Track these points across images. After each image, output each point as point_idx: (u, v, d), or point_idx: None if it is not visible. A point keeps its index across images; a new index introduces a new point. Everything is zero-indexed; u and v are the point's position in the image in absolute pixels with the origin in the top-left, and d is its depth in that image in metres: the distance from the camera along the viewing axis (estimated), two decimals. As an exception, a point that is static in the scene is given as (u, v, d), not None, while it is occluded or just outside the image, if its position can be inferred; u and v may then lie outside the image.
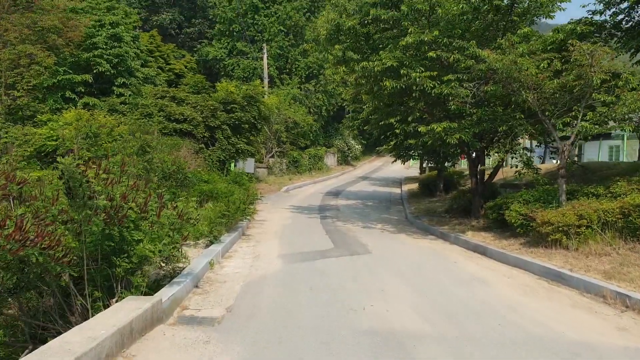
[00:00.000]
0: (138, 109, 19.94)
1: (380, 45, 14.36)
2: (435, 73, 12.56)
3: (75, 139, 12.94)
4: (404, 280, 8.60)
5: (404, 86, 13.08)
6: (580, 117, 10.97)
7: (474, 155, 15.87)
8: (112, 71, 23.23)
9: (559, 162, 11.43)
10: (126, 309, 5.17)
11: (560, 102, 11.33)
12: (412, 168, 51.51)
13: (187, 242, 10.49)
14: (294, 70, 43.60)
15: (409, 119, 13.67)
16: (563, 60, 11.33)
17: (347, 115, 41.54)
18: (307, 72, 43.49)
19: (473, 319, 6.45)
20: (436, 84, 12.93)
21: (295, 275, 8.66)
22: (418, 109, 13.99)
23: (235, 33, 43.87)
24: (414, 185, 30.37)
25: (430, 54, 12.25)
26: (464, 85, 12.72)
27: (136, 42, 25.22)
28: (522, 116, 12.81)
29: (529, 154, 13.42)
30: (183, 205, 7.04)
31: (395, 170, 48.78)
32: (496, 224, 13.20)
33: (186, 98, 20.52)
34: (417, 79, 12.45)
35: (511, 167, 15.03)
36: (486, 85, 11.89)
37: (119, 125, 19.00)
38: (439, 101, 14.80)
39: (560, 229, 10.04)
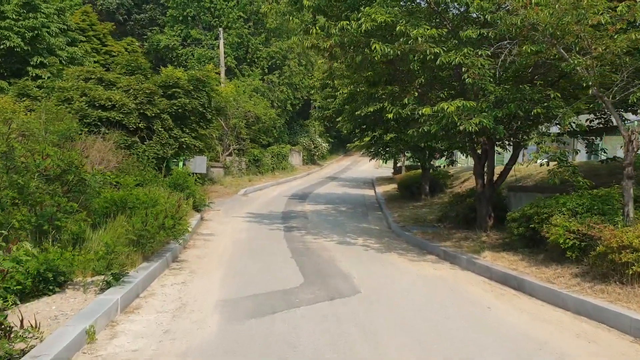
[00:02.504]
0: (55, 93, 15.78)
1: (362, 4, 10.70)
2: (444, 30, 9.03)
3: None
4: (429, 356, 4.97)
5: (398, 53, 9.48)
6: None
7: (479, 150, 12.43)
8: (25, 48, 18.82)
9: (625, 157, 8.01)
10: None
11: (625, 71, 7.92)
12: (382, 168, 48.27)
13: (76, 280, 6.68)
14: (255, 60, 39.66)
15: (405, 100, 10.05)
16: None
17: (314, 105, 37.76)
18: (269, 63, 39.62)
19: None
20: (441, 51, 9.40)
21: (238, 353, 4.92)
22: (415, 88, 10.40)
23: (189, 19, 39.66)
24: (390, 187, 27.00)
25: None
26: (479, 52, 9.22)
27: (62, 17, 20.91)
28: (559, 95, 9.40)
29: (562, 146, 10.01)
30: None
31: (365, 170, 45.48)
32: (522, 242, 9.75)
33: (117, 81, 16.42)
34: (420, 39, 8.86)
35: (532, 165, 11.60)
36: (519, 47, 8.37)
37: (27, 113, 14.85)
38: (440, 78, 11.35)
39: (648, 257, 6.63)
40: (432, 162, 18.88)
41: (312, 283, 7.80)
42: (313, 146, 45.49)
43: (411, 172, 25.29)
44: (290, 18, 11.80)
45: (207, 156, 25.86)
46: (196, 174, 20.35)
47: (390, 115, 9.96)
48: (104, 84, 16.35)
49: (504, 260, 9.24)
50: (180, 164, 21.70)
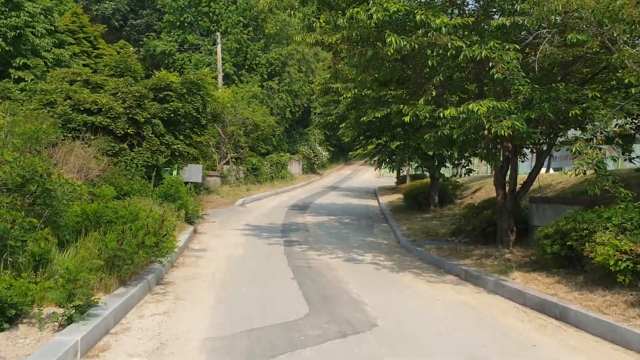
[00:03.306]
0: (37, 96, 14.62)
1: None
2: (471, 20, 7.90)
3: None
4: None
5: (415, 46, 8.34)
6: None
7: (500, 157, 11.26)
8: (7, 48, 17.63)
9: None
10: None
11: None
12: (384, 177, 47.13)
13: (33, 313, 5.47)
14: (254, 67, 38.59)
15: (421, 101, 8.88)
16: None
17: (315, 112, 36.63)
18: (268, 70, 38.53)
19: None
20: (464, 45, 8.28)
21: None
22: (431, 88, 9.25)
23: (186, 24, 38.65)
24: (394, 197, 25.82)
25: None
26: (506, 45, 8.10)
27: (49, 17, 19.76)
28: (598, 94, 8.26)
29: (602, 153, 8.83)
30: None
31: (367, 180, 44.37)
32: (556, 261, 8.56)
33: (104, 83, 15.24)
34: (443, 29, 7.74)
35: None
36: (560, 37, 7.24)
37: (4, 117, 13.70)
38: (452, 81, 10.24)
39: None
40: (440, 171, 17.72)
41: (319, 313, 6.59)
42: (313, 155, 44.33)
43: (417, 181, 24.15)
44: (293, 12, 10.67)
45: (204, 165, 24.71)
46: (191, 183, 19.20)
47: (407, 119, 8.78)
48: (90, 86, 15.20)
49: (538, 282, 8.05)
50: (174, 172, 20.53)
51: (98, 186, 10.46)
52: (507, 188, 11.19)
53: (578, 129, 9.68)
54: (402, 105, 8.81)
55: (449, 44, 8.18)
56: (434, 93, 9.09)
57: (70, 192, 6.89)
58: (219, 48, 32.20)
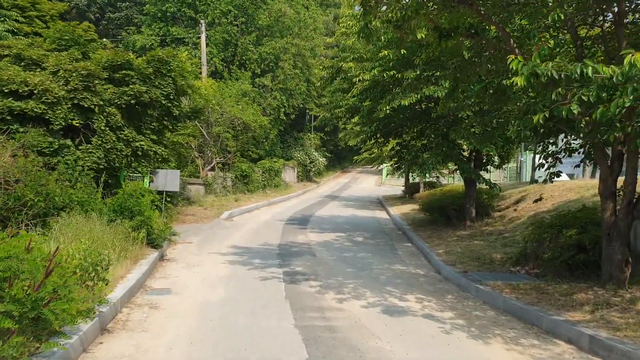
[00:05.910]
0: (-55, 76, 10.76)
1: None
2: None
3: None
4: None
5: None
6: None
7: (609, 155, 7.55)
8: None
9: None
10: None
11: None
12: (385, 185, 43.44)
13: None
14: (245, 62, 34.79)
15: (534, 56, 5.11)
16: None
17: (310, 114, 32.73)
18: (261, 65, 34.74)
19: None
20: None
21: None
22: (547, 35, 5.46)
23: (169, 15, 34.84)
24: (407, 208, 22.10)
25: None
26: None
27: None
28: None
29: None
30: None
31: (367, 188, 40.63)
32: None
33: (43, 59, 11.43)
34: None
35: None
36: None
37: None
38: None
39: None
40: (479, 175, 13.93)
41: None
42: (309, 161, 40.43)
43: (437, 189, 20.40)
44: None
45: (184, 171, 20.90)
46: (166, 192, 15.39)
47: (520, 80, 4.80)
48: (24, 63, 11.37)
49: None
50: (146, 179, 16.67)
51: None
52: (621, 200, 7.49)
53: None
54: (511, 58, 4.98)
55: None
56: (551, 43, 5.33)
57: None
58: (203, 36, 28.41)
